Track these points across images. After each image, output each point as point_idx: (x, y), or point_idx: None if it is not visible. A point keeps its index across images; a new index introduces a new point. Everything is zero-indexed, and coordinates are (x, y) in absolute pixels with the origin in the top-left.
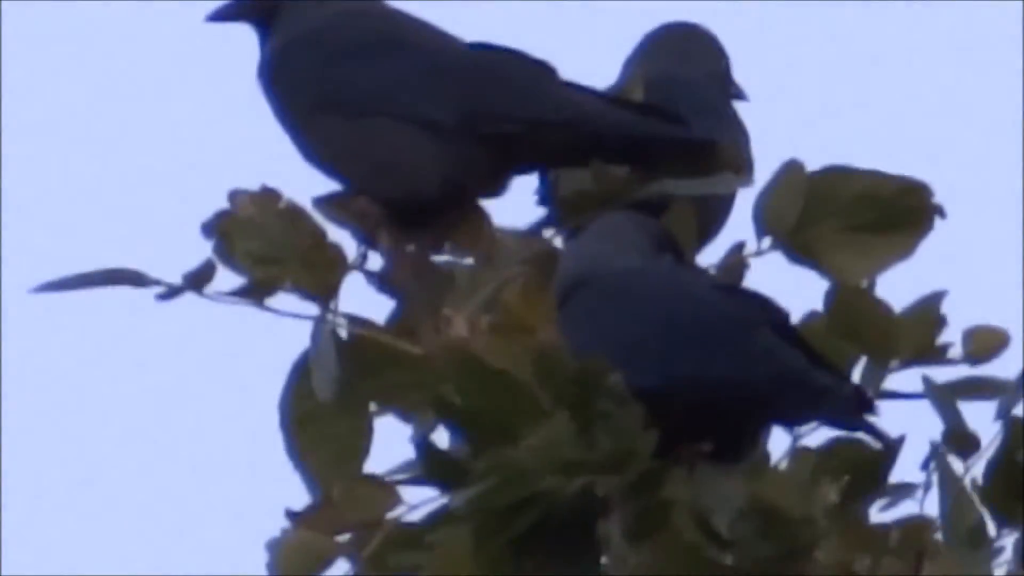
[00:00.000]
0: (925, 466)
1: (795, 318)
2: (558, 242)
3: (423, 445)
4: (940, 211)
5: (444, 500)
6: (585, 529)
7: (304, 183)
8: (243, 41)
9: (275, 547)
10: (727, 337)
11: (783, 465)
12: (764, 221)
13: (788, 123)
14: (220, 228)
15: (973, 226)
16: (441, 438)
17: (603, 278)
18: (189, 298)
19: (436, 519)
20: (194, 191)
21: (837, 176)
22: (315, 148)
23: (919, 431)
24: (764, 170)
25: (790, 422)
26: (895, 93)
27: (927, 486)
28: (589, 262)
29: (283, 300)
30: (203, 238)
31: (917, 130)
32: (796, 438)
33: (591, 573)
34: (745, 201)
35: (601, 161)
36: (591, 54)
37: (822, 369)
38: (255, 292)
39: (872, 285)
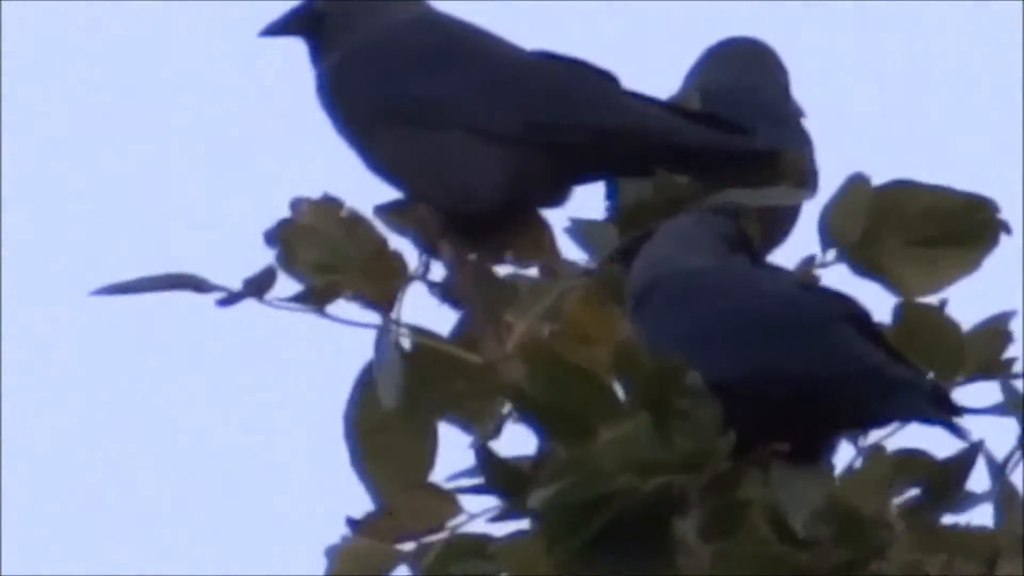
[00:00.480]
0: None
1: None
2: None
3: (483, 453)
4: (1006, 227)
5: (504, 507)
6: (660, 528)
7: (365, 192)
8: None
9: (334, 554)
10: (806, 331)
11: (858, 466)
12: (829, 234)
13: (854, 135)
14: (282, 237)
15: None
16: (500, 446)
17: (678, 277)
18: (250, 305)
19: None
20: (257, 199)
21: (903, 190)
22: (378, 158)
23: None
24: (830, 182)
25: (869, 422)
26: (963, 106)
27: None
28: (664, 263)
29: (344, 308)
30: (265, 246)
31: (984, 143)
32: (871, 440)
33: (665, 573)
34: (812, 212)
35: (664, 171)
36: (645, 64)
37: (902, 365)
38: (315, 299)
39: (943, 302)
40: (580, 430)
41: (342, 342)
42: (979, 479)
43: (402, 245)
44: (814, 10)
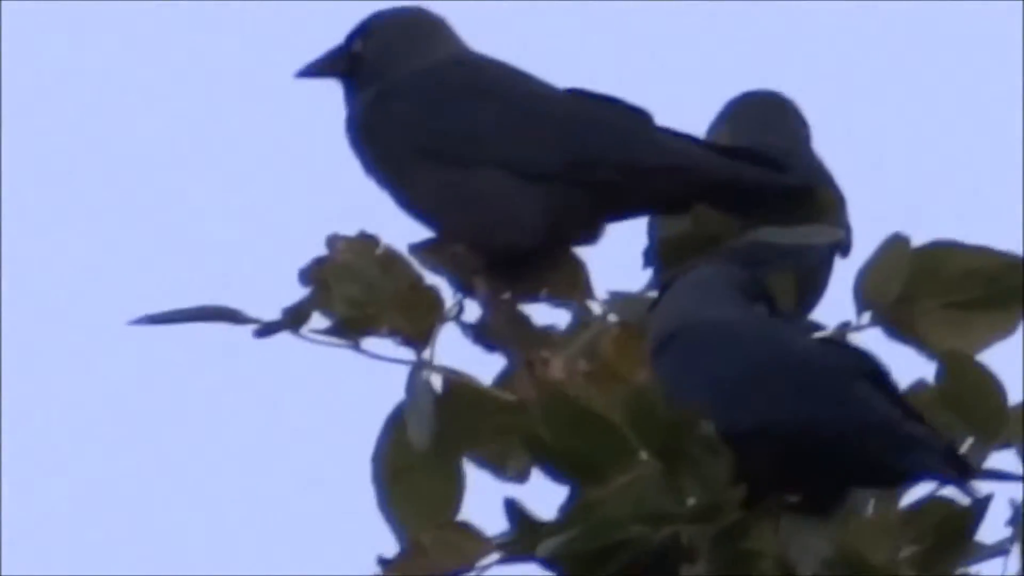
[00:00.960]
0: (1012, 522)
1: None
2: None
3: (515, 511)
4: None
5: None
6: None
7: (400, 230)
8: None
9: None
10: (822, 385)
11: (869, 516)
12: (865, 295)
13: (882, 193)
14: (317, 275)
15: None
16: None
17: (697, 327)
18: (285, 339)
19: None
20: (293, 235)
21: (940, 251)
22: (413, 197)
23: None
24: (862, 243)
25: (881, 478)
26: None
27: (1011, 545)
28: (683, 312)
29: (379, 345)
30: (300, 285)
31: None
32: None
33: None
34: (846, 274)
35: (701, 206)
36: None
37: (916, 422)
38: (350, 332)
39: (989, 367)
40: (593, 476)
41: (376, 380)
42: (989, 530)
43: (437, 283)
44: (845, 66)
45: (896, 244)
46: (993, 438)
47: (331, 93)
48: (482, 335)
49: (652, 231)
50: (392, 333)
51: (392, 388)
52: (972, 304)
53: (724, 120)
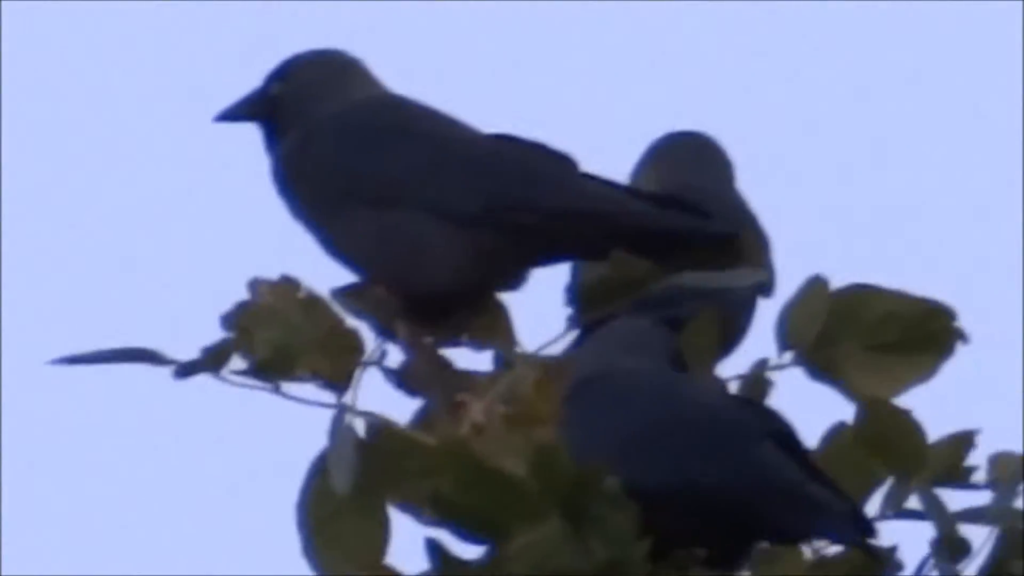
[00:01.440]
0: (919, 571)
1: (822, 429)
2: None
3: (437, 552)
4: (963, 336)
5: None
6: None
7: (322, 273)
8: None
9: None
10: (724, 445)
11: (778, 568)
12: (786, 335)
13: (809, 232)
14: (239, 321)
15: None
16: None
17: (605, 378)
18: (205, 380)
19: None
20: (214, 278)
21: (861, 295)
22: (334, 239)
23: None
24: (786, 284)
25: (785, 536)
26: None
27: None
28: (593, 362)
29: (302, 389)
30: (223, 330)
31: (944, 243)
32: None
33: None
34: (769, 313)
35: (622, 252)
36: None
37: (819, 485)
38: (270, 374)
39: (908, 409)
40: (497, 533)
41: (299, 424)
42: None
43: (359, 327)
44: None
45: (815, 286)
46: (912, 479)
47: (251, 135)
48: (403, 379)
49: (575, 270)
50: (313, 376)
51: (316, 432)
52: (892, 347)
53: (650, 160)
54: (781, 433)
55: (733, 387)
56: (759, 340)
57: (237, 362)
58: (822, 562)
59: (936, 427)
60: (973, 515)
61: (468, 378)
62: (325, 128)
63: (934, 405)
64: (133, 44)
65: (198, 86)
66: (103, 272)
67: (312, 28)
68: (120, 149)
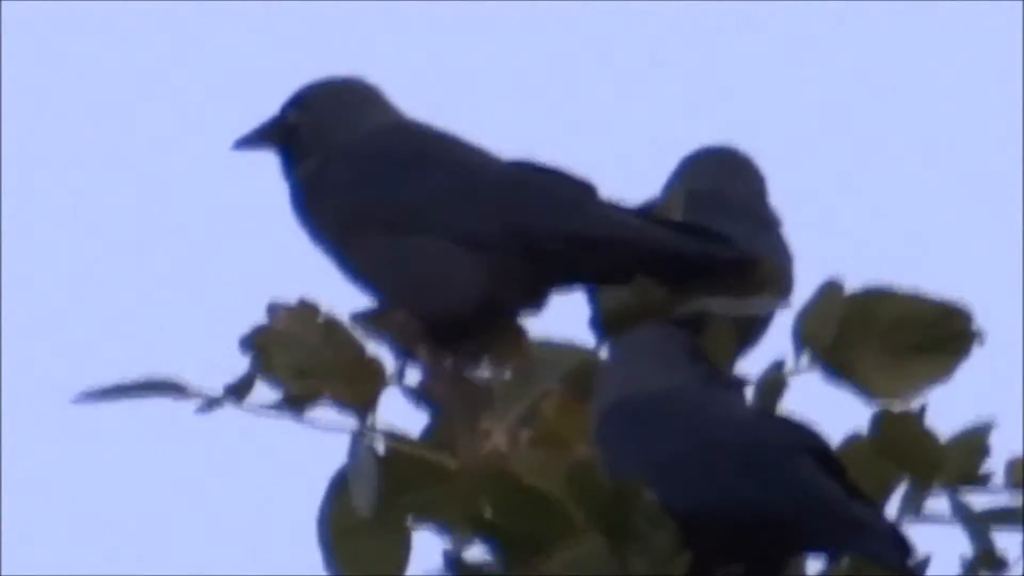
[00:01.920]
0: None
1: (839, 437)
2: (598, 354)
3: (455, 562)
4: (980, 337)
5: None
6: None
7: (342, 298)
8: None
9: None
10: (762, 463)
11: None
12: (803, 338)
13: (833, 238)
14: (258, 343)
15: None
16: (474, 554)
17: (640, 398)
18: (228, 410)
19: None
20: (232, 304)
21: (877, 297)
22: (354, 265)
23: (955, 554)
24: (807, 287)
25: (823, 552)
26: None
27: None
28: (626, 382)
29: (322, 413)
30: (241, 353)
31: (965, 246)
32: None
33: None
34: (786, 316)
35: (643, 278)
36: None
37: (858, 502)
38: (294, 405)
39: (922, 410)
40: (537, 551)
41: (318, 446)
42: None
43: (379, 350)
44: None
45: (830, 289)
46: (928, 483)
47: (268, 161)
48: (424, 399)
49: (594, 301)
50: (335, 400)
51: (332, 449)
52: (908, 349)
53: (681, 176)
54: (817, 449)
55: (750, 390)
56: (775, 343)
57: (260, 391)
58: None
59: (951, 428)
60: (1000, 517)
61: (489, 400)
62: (344, 154)
63: (949, 405)
64: (151, 70)
65: (216, 113)
66: (119, 297)
67: (324, 54)
68: (136, 175)
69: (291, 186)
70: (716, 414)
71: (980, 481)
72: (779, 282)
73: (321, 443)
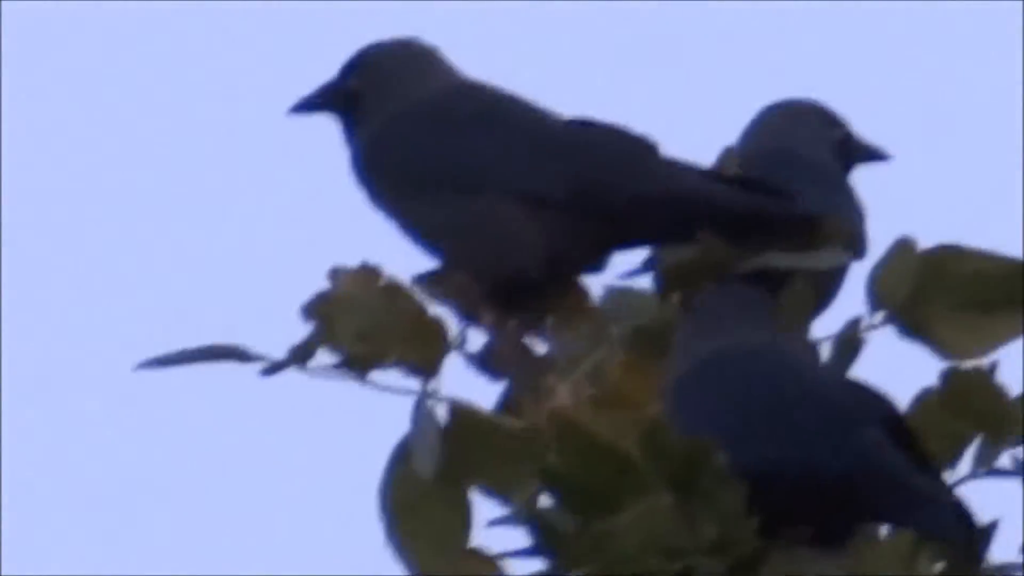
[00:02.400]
0: None
1: (911, 394)
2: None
3: (535, 517)
4: None
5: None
6: None
7: (404, 262)
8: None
9: None
10: (832, 430)
11: (882, 543)
12: (877, 296)
13: (912, 193)
14: (320, 309)
15: None
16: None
17: (715, 360)
18: (292, 374)
19: None
20: (294, 269)
21: (950, 255)
22: (416, 227)
23: None
24: (882, 243)
25: (886, 522)
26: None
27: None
28: (701, 343)
29: (385, 377)
30: (304, 320)
31: None
32: None
33: None
34: (861, 274)
35: (707, 235)
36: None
37: (925, 475)
38: (357, 367)
39: (993, 367)
40: (606, 507)
41: (381, 411)
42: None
43: (442, 313)
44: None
45: (903, 247)
46: (999, 440)
47: (329, 127)
48: (487, 364)
49: (657, 258)
50: (398, 364)
51: (396, 418)
52: (982, 307)
53: (754, 129)
54: (888, 417)
55: (825, 348)
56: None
57: (323, 355)
58: (921, 548)
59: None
60: None
61: (553, 361)
62: (406, 117)
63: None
64: (206, 32)
65: (274, 78)
66: (183, 266)
67: (379, 17)
68: (196, 142)
69: (352, 150)
70: (792, 377)
71: None
72: (845, 239)
73: (384, 410)
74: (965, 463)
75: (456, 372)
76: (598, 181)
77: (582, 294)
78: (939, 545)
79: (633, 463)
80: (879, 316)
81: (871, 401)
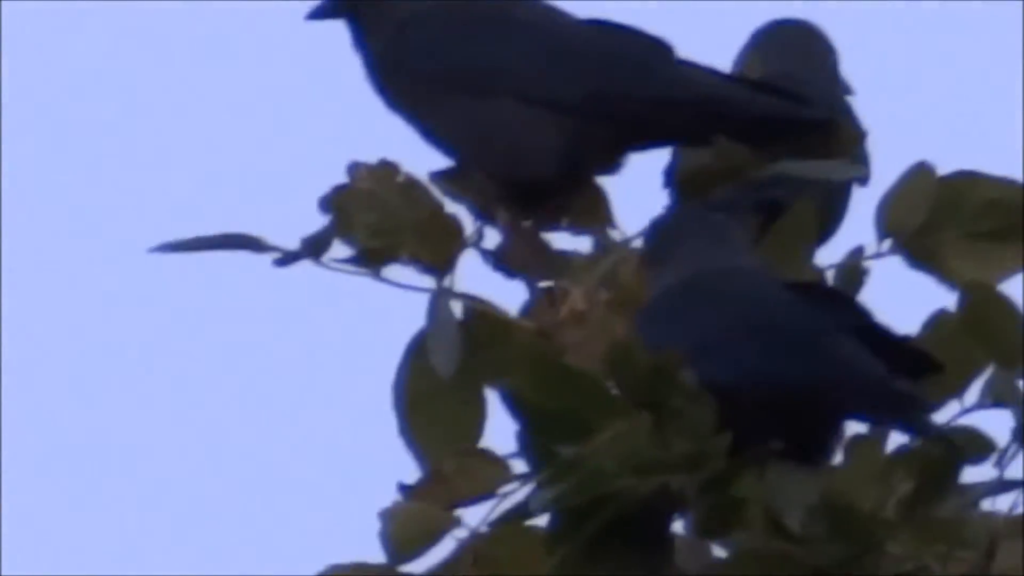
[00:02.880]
0: (1015, 437)
1: (922, 318)
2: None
3: (526, 437)
4: None
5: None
6: (658, 527)
7: (421, 159)
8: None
9: (388, 517)
10: (797, 339)
11: (854, 462)
12: (886, 223)
13: (904, 122)
14: (337, 203)
15: None
16: None
17: (682, 282)
18: (306, 266)
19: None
20: (313, 164)
21: (963, 181)
22: (434, 129)
23: None
24: (882, 172)
25: (863, 421)
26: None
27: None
28: (670, 264)
29: (400, 272)
30: (321, 213)
31: None
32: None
33: (664, 572)
34: (866, 201)
35: (724, 138)
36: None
37: (899, 377)
38: (371, 260)
39: (1008, 296)
40: (579, 430)
41: (396, 307)
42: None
43: (458, 210)
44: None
45: (921, 173)
46: (1015, 365)
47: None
48: (502, 262)
49: (674, 154)
50: (413, 260)
51: (408, 315)
52: (994, 235)
53: (752, 49)
54: (859, 323)
55: (829, 276)
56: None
57: (338, 248)
58: (897, 461)
59: None
60: None
61: (567, 262)
62: (422, 19)
63: None
64: None
65: None
66: (205, 161)
67: None
68: (216, 48)
69: (367, 54)
70: (755, 294)
71: None
72: (857, 146)
73: (398, 306)
74: (972, 393)
75: (472, 269)
76: (615, 85)
77: (598, 194)
78: (911, 465)
79: (603, 386)
80: (886, 244)
81: (840, 309)
